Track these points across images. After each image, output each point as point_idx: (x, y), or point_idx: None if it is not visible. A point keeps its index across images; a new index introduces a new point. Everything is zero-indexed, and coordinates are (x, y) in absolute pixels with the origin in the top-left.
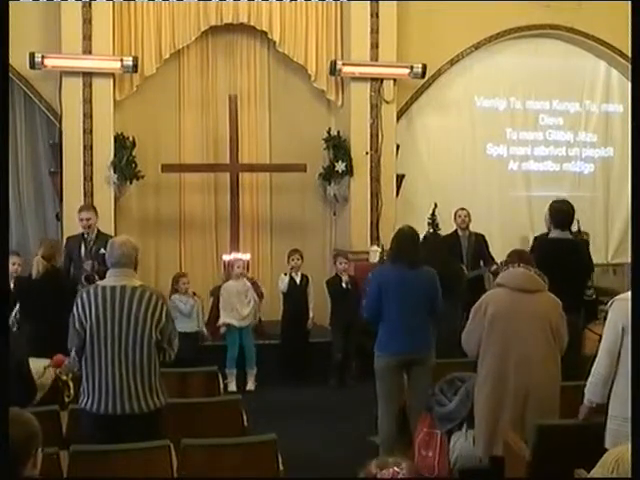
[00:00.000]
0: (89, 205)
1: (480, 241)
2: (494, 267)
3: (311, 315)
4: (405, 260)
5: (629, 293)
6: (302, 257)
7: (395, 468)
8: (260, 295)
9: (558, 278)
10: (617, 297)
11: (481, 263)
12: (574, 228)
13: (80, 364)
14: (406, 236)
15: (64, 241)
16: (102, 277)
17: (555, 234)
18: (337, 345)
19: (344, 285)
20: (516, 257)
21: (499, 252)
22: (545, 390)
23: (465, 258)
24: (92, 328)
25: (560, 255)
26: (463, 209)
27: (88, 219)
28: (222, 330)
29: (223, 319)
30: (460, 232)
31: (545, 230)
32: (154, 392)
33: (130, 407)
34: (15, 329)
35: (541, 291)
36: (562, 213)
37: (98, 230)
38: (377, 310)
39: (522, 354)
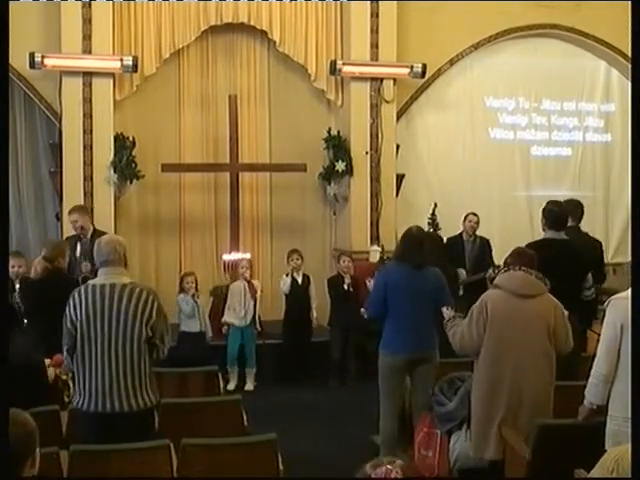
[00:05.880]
0: (78, 207)
1: (484, 245)
2: (489, 273)
3: (315, 315)
4: (410, 260)
5: (626, 292)
6: (302, 257)
7: (388, 466)
8: (254, 296)
9: (552, 279)
10: (614, 296)
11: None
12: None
13: (72, 363)
14: (413, 237)
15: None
16: None
17: (549, 235)
18: (336, 345)
19: (345, 287)
20: (517, 258)
21: (499, 252)
22: (538, 395)
23: (467, 262)
24: (82, 327)
25: (554, 256)
26: (474, 215)
27: (75, 221)
28: (224, 330)
29: (225, 318)
30: (465, 236)
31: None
32: (145, 390)
33: (120, 405)
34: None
35: (540, 295)
36: (555, 214)
37: (95, 229)
38: (381, 308)
39: (517, 359)
